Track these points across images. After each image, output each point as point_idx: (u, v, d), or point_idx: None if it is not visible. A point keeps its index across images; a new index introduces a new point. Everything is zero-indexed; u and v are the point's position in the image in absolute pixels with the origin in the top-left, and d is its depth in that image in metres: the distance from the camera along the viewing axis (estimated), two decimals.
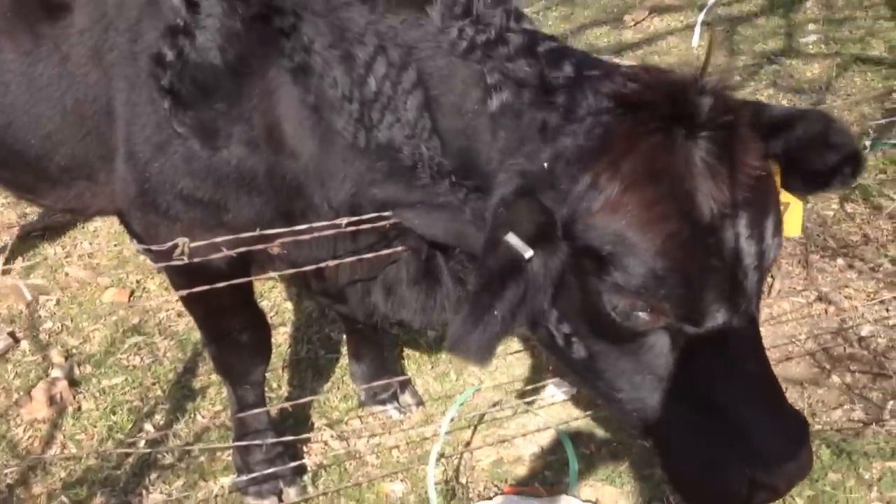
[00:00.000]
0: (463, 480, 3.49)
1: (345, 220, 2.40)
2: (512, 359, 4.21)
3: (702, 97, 1.74)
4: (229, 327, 3.07)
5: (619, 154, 1.80)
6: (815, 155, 2.05)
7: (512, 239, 1.79)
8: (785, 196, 2.01)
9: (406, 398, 3.96)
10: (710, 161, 1.78)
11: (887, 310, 4.28)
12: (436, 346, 4.28)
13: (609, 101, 1.88)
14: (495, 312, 1.77)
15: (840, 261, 4.63)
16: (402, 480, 3.50)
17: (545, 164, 1.91)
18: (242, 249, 2.48)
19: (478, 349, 1.78)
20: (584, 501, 3.22)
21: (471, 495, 3.36)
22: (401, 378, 3.96)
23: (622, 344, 1.95)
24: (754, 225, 1.83)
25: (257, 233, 2.42)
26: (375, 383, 3.73)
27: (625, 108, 1.84)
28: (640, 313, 1.85)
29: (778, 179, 2.03)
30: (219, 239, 2.41)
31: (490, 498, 3.29)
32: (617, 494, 3.33)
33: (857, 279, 4.51)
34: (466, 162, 2.19)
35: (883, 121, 4.75)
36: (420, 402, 3.95)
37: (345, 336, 4.13)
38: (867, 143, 4.96)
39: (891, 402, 3.71)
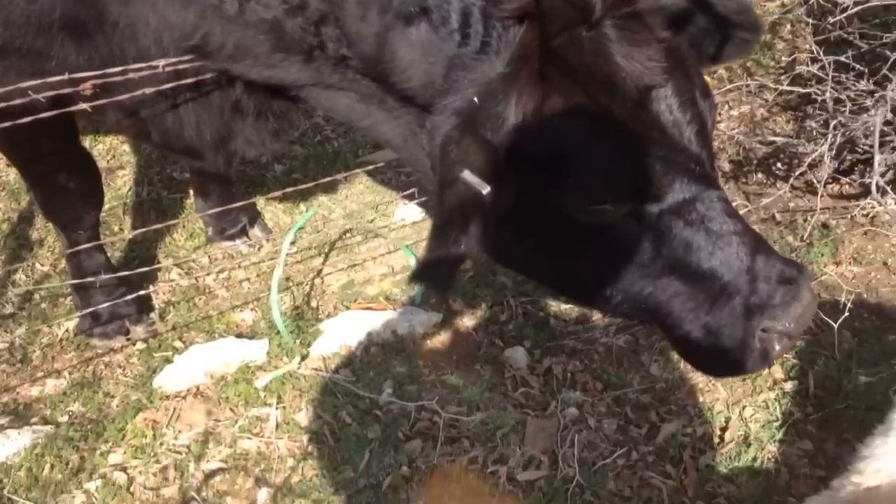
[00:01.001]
0: (313, 304, 3.53)
1: (162, 62, 2.29)
2: (362, 187, 4.22)
3: None
4: (53, 173, 2.95)
5: (534, 65, 1.82)
6: (718, 33, 2.09)
7: (468, 176, 1.78)
8: None
9: (255, 232, 3.93)
10: (619, 45, 1.79)
11: (720, 114, 4.44)
12: (283, 179, 4.23)
13: (510, 21, 1.87)
14: (461, 246, 1.77)
15: None
16: (252, 309, 3.51)
17: (475, 99, 1.89)
18: (50, 94, 2.34)
19: (443, 281, 1.82)
20: (428, 311, 3.32)
21: (320, 316, 3.40)
22: (249, 212, 3.91)
23: (595, 242, 1.96)
24: (682, 92, 1.85)
25: (66, 77, 2.28)
26: (220, 213, 3.66)
27: (525, 21, 1.84)
28: (603, 206, 1.86)
29: None
30: (25, 84, 2.27)
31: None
32: (464, 304, 3.44)
33: None
34: (375, 66, 2.11)
35: None
36: (269, 235, 3.93)
37: (188, 175, 4.02)
38: None
39: None
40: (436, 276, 1.83)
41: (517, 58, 1.85)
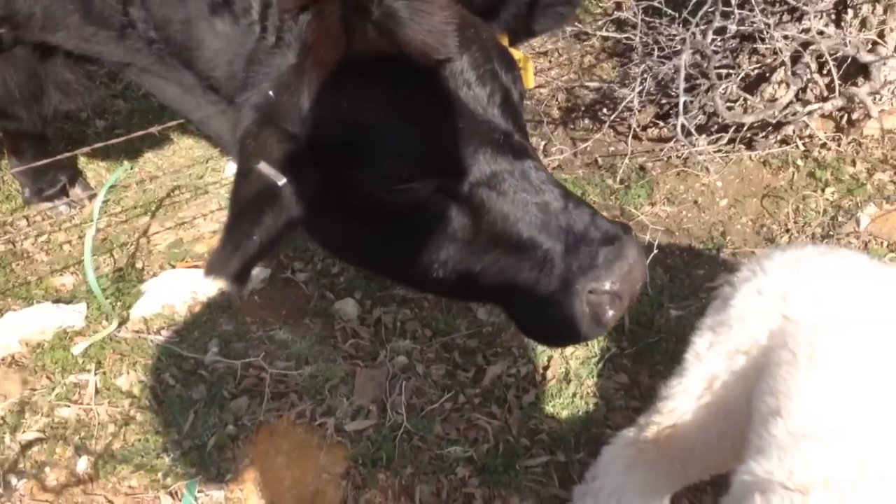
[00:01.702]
0: (138, 265, 3.42)
1: None
2: (191, 141, 4.09)
3: None
4: None
5: (322, 52, 1.79)
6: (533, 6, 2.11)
7: (264, 168, 1.73)
8: (515, 53, 2.01)
9: (76, 191, 3.76)
10: (406, 19, 1.77)
11: (549, 61, 4.53)
12: (105, 135, 4.05)
13: (295, 12, 1.83)
14: (254, 238, 1.71)
15: None
16: (72, 273, 3.37)
17: (270, 93, 1.84)
18: None
19: (235, 274, 1.72)
20: (257, 267, 3.27)
21: (144, 277, 3.31)
22: (69, 170, 3.73)
23: (411, 223, 1.91)
24: (479, 65, 1.83)
25: None
26: (37, 173, 3.50)
27: (307, 10, 1.82)
28: (409, 185, 1.82)
29: (506, 41, 2.06)
30: None
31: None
32: (294, 258, 3.41)
33: None
34: (182, 53, 2.07)
35: None
36: (91, 194, 3.76)
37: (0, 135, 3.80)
38: None
39: None
40: (230, 270, 1.75)
41: (304, 48, 1.84)
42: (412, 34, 1.77)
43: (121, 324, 3.04)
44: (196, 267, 3.30)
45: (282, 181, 1.75)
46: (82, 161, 3.95)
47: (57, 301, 3.19)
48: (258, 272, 3.26)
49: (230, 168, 3.92)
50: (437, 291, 2.16)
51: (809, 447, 1.63)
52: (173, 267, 3.37)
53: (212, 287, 3.15)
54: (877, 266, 1.99)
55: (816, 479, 1.55)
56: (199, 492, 2.59)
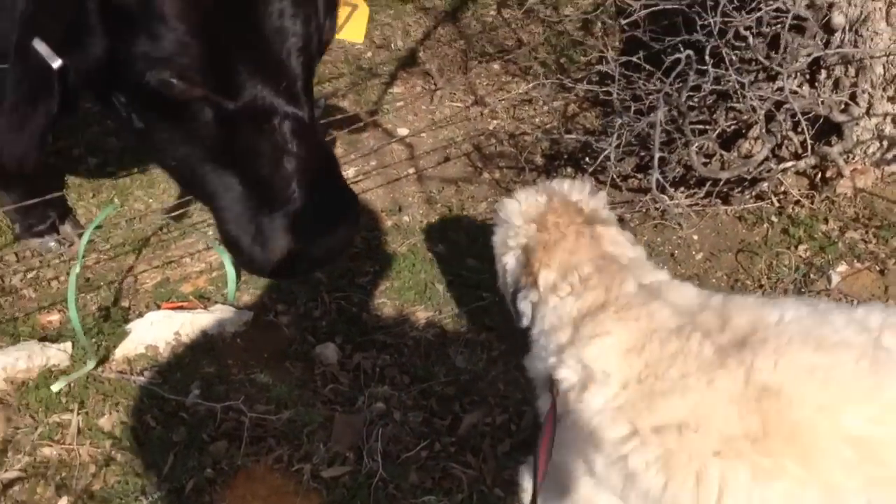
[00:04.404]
0: (125, 304, 3.48)
1: None
2: None
3: None
4: None
5: None
6: None
7: (40, 46, 1.72)
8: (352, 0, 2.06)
9: (66, 228, 3.82)
10: None
11: (535, 109, 4.63)
12: (96, 173, 4.13)
13: None
14: (38, 119, 1.75)
15: (496, 65, 4.90)
16: (59, 311, 3.43)
17: None
18: None
19: (23, 154, 1.77)
20: (240, 310, 3.34)
21: (129, 316, 3.37)
22: (59, 207, 3.79)
23: (170, 114, 1.93)
24: (299, 5, 1.84)
25: None
26: (27, 209, 3.55)
27: None
28: (175, 81, 1.81)
29: None
30: None
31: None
32: (277, 301, 3.48)
33: (510, 82, 4.82)
34: None
35: None
36: (81, 232, 3.82)
37: None
38: None
39: None
40: (17, 152, 1.80)
41: None
42: None
43: (101, 362, 3.09)
44: (181, 308, 3.36)
45: (56, 63, 1.75)
46: (73, 198, 4.02)
47: (43, 339, 3.25)
48: (240, 314, 3.32)
49: None
50: (169, 171, 2.20)
51: None
52: (158, 307, 3.43)
53: (194, 329, 3.22)
54: None
55: None
56: None
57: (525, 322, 2.44)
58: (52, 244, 3.77)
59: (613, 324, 2.15)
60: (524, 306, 2.41)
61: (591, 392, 2.09)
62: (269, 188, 1.94)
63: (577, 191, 2.53)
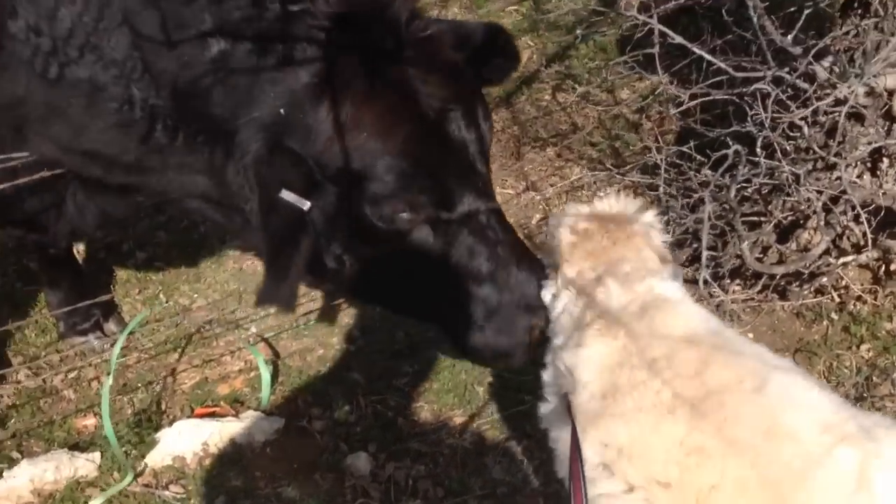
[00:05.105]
0: (162, 406, 3.45)
1: None
2: (227, 275, 4.15)
3: (398, 13, 1.99)
4: None
5: (342, 80, 1.99)
6: (485, 57, 2.36)
7: (287, 195, 1.91)
8: None
9: (110, 326, 3.82)
10: (420, 67, 2.04)
11: (588, 196, 4.49)
12: (143, 268, 4.15)
13: (318, 32, 2.01)
14: (296, 264, 1.94)
15: (550, 150, 4.80)
16: (95, 414, 3.41)
17: (281, 111, 2.00)
18: None
19: (287, 300, 1.98)
20: (270, 416, 3.25)
21: (163, 422, 3.32)
22: (104, 304, 3.80)
23: (392, 245, 2.15)
24: (469, 113, 2.10)
25: None
26: (72, 309, 3.56)
27: (334, 35, 2.00)
28: (402, 214, 2.08)
29: None
30: None
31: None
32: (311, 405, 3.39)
33: (564, 167, 4.70)
34: (187, 106, 2.16)
35: None
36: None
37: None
38: (579, 32, 5.13)
39: None
40: (282, 299, 1.99)
41: (327, 71, 2.01)
42: (423, 83, 2.04)
43: (134, 478, 3.03)
44: (213, 414, 3.30)
45: (306, 206, 1.95)
46: (118, 294, 4.03)
47: (75, 446, 3.22)
48: (272, 422, 3.23)
49: None
50: (408, 309, 2.49)
51: None
52: (193, 410, 3.38)
53: (222, 439, 3.14)
54: None
55: None
56: None
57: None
58: (96, 343, 3.76)
59: (594, 339, 2.07)
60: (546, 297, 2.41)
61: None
62: (492, 279, 2.18)
63: (619, 202, 2.43)
